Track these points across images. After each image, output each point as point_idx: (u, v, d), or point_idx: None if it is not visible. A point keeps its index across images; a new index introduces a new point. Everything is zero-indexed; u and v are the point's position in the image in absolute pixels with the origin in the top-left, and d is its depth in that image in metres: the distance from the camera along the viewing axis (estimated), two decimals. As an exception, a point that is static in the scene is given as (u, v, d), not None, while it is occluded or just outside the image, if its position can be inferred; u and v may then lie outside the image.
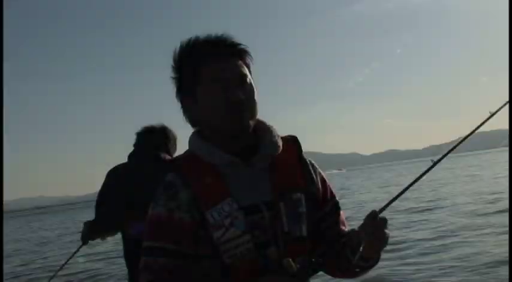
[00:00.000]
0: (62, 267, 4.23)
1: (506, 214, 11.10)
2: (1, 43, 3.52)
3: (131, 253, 3.16)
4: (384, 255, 1.48)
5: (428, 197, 18.20)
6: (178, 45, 1.49)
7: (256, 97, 1.46)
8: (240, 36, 1.48)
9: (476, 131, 1.59)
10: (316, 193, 1.53)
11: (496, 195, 15.31)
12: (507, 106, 1.66)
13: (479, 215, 11.95)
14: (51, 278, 4.44)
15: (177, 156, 1.54)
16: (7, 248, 19.69)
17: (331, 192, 1.59)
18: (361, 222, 1.38)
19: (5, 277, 10.89)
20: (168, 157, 3.42)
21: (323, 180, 1.58)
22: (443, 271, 6.97)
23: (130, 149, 3.54)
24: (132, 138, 3.61)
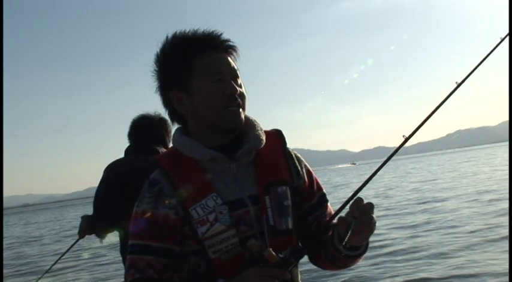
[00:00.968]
0: (57, 261, 4.15)
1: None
2: (1, 43, 3.43)
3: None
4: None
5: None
6: (164, 39, 1.46)
7: (246, 94, 1.47)
8: (226, 31, 1.45)
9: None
10: (302, 186, 1.52)
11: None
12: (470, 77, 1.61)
13: None
14: (45, 272, 4.31)
15: (161, 153, 1.52)
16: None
17: (318, 185, 1.57)
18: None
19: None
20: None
21: (309, 173, 1.56)
22: None
23: (120, 146, 3.33)
24: (121, 133, 3.38)
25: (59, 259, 4.14)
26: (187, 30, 1.45)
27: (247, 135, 1.48)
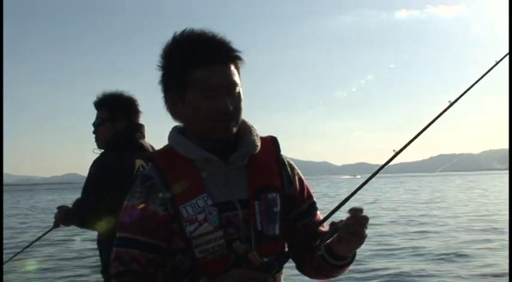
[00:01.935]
0: (29, 245, 4.00)
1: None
2: (1, 42, 3.44)
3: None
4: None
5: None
6: (171, 37, 1.45)
7: (243, 105, 1.46)
8: (230, 37, 1.43)
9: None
10: (292, 193, 1.53)
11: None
12: (464, 97, 1.58)
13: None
14: (16, 254, 3.98)
15: (155, 150, 1.53)
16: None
17: (309, 193, 1.58)
18: None
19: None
20: (147, 145, 3.05)
21: (301, 181, 1.57)
22: None
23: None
24: None
25: (32, 243, 3.93)
26: (191, 31, 1.43)
27: (242, 140, 1.48)
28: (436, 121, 1.55)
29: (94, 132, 3.11)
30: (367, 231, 1.34)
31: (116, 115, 3.02)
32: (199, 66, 1.40)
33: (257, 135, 1.52)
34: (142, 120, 3.14)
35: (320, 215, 1.59)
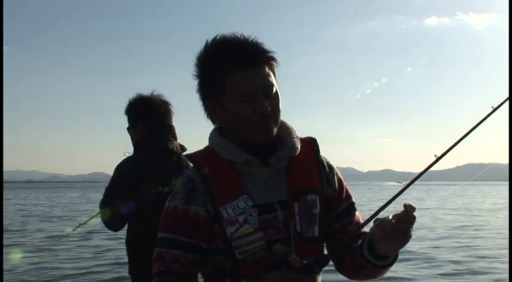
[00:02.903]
0: (81, 225, 4.00)
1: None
2: (1, 42, 3.44)
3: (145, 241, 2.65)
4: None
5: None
6: (203, 45, 1.45)
7: (280, 106, 1.45)
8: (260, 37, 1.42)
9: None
10: (332, 194, 1.53)
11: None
12: (507, 102, 1.53)
13: None
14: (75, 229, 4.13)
15: (196, 151, 1.53)
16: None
17: (347, 194, 1.58)
18: None
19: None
20: (176, 146, 3.00)
21: (340, 181, 1.56)
22: None
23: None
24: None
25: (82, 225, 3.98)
26: (223, 37, 1.43)
27: (282, 142, 1.49)
28: (478, 124, 1.50)
29: None
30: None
31: (134, 122, 3.05)
32: (233, 72, 1.40)
33: (297, 137, 1.52)
34: (176, 118, 3.11)
35: (359, 215, 1.58)
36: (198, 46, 1.47)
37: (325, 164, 1.56)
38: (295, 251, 1.36)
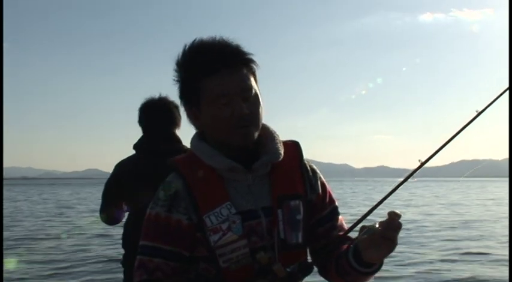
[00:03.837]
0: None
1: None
2: (1, 42, 3.42)
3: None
4: None
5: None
6: (181, 50, 1.43)
7: (260, 108, 1.43)
8: (244, 36, 1.72)
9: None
10: (315, 199, 1.51)
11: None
12: (503, 97, 1.53)
13: None
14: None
15: (178, 157, 1.50)
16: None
17: (331, 198, 1.56)
18: None
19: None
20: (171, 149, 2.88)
21: (323, 185, 1.55)
22: None
23: (130, 134, 3.20)
24: (131, 120, 3.19)
25: None
26: (201, 40, 1.42)
27: (265, 147, 1.47)
28: (460, 130, 1.51)
29: None
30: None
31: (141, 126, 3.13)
32: (208, 75, 1.39)
33: (280, 142, 1.51)
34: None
35: (343, 220, 1.57)
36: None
37: (309, 168, 1.54)
38: (279, 258, 1.36)
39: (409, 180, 1.47)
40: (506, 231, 13.98)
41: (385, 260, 1.37)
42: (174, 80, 1.48)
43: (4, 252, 9.88)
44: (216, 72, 1.39)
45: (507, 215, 19.67)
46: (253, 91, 1.42)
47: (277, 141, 1.50)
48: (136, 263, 1.41)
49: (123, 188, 2.98)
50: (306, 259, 1.48)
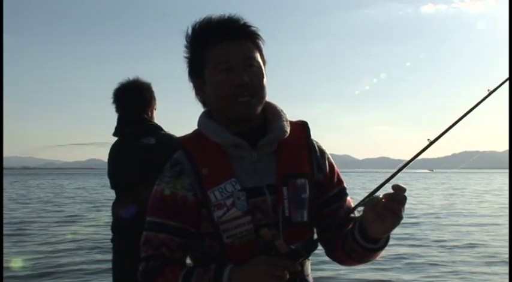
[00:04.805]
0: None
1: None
2: (1, 43, 3.40)
3: (120, 235, 2.93)
4: None
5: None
6: (189, 26, 1.47)
7: (263, 81, 1.44)
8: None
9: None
10: (322, 179, 1.51)
11: None
12: (507, 84, 1.47)
13: None
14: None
15: (184, 135, 1.52)
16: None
17: (339, 178, 1.56)
18: None
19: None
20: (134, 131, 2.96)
21: (331, 166, 1.55)
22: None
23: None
24: None
25: None
26: (210, 16, 1.45)
27: (271, 125, 1.47)
28: (472, 109, 1.44)
29: None
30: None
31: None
32: (215, 42, 1.42)
33: (287, 120, 1.51)
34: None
35: (350, 201, 1.56)
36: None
37: (317, 148, 1.54)
38: (283, 236, 1.35)
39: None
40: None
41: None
42: (184, 56, 1.51)
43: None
44: (221, 41, 1.42)
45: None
46: (256, 63, 1.44)
47: (284, 119, 1.50)
48: (142, 238, 1.42)
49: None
50: (312, 237, 1.47)
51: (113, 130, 3.07)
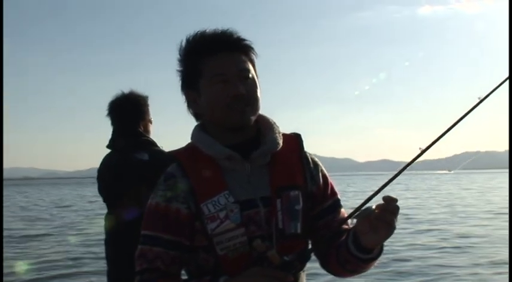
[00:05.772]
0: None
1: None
2: (1, 44, 3.43)
3: (119, 238, 2.92)
4: None
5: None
6: (183, 39, 1.48)
7: (258, 93, 1.46)
8: (245, 31, 1.45)
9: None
10: (316, 191, 1.52)
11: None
12: (505, 85, 1.50)
13: None
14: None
15: (178, 148, 1.52)
16: None
17: (332, 190, 1.56)
18: None
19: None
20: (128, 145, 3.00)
21: (325, 178, 1.55)
22: None
23: None
24: None
25: None
26: (203, 30, 1.47)
27: (264, 137, 1.49)
28: (462, 117, 1.46)
29: None
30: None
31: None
32: (210, 55, 1.44)
33: (279, 133, 1.52)
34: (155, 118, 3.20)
35: (345, 213, 1.56)
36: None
37: (310, 160, 1.55)
38: (277, 248, 1.36)
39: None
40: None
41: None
42: (176, 70, 1.52)
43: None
44: (215, 54, 1.44)
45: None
46: (251, 75, 1.46)
47: (276, 131, 1.52)
48: (137, 252, 1.43)
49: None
50: (305, 249, 1.47)
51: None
